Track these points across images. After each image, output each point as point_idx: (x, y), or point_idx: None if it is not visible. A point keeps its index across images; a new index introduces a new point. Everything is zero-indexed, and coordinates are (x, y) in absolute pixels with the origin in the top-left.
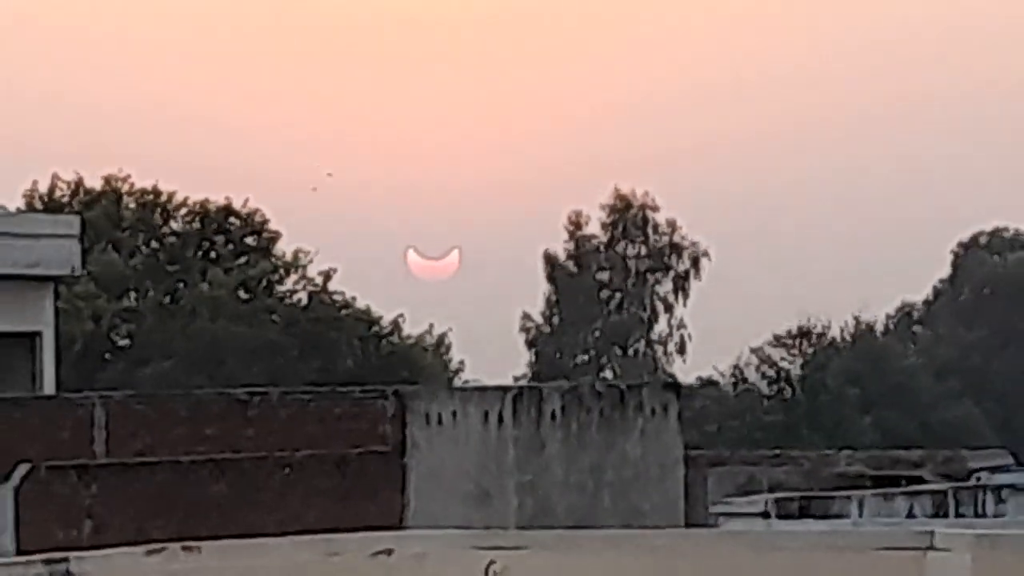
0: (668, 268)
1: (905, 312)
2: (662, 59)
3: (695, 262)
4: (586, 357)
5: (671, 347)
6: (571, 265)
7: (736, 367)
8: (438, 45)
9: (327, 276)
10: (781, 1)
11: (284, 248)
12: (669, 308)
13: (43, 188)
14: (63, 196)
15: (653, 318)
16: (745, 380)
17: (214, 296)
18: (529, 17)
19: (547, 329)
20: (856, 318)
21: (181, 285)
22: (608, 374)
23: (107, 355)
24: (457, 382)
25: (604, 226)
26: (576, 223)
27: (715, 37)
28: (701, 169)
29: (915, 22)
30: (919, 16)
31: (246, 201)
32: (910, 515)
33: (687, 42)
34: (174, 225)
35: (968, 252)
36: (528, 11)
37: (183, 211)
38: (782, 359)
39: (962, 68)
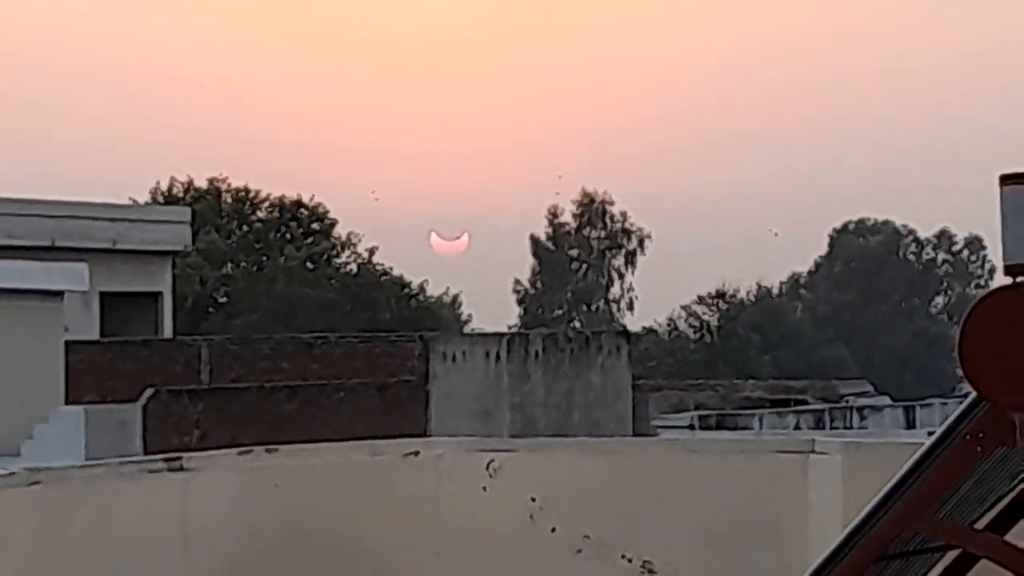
0: (621, 247)
1: (794, 279)
2: (619, 96)
3: (641, 243)
4: (561, 312)
5: (623, 305)
6: (550, 244)
7: (670, 319)
8: (457, 60)
9: (371, 252)
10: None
11: (340, 231)
12: (621, 276)
13: (164, 187)
14: (178, 193)
15: (610, 284)
16: (677, 329)
17: (289, 267)
18: (517, 40)
19: (532, 291)
20: (758, 284)
21: (265, 258)
22: (577, 324)
23: (210, 310)
24: (466, 330)
25: (574, 216)
26: (554, 213)
27: (650, 82)
28: (645, 173)
29: (798, 55)
30: (803, 52)
31: (312, 197)
32: (797, 428)
33: (636, 87)
34: (260, 214)
35: (841, 235)
36: (518, 34)
37: (266, 204)
38: (704, 314)
39: (839, 102)
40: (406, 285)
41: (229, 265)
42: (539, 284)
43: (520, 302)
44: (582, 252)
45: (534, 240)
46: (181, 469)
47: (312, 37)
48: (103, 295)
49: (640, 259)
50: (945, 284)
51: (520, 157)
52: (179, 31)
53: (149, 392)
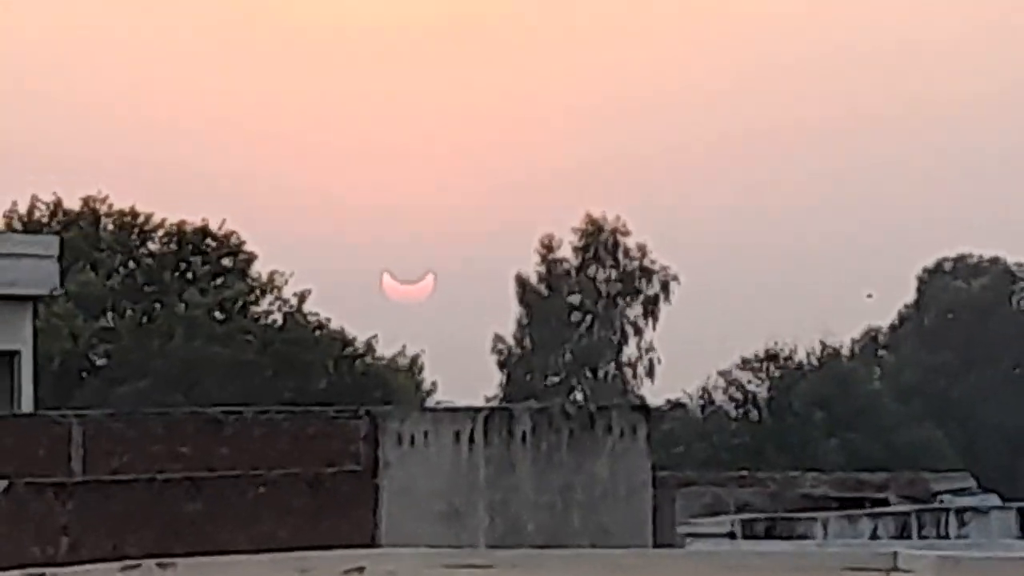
0: (638, 292)
1: (871, 336)
2: (635, 81)
3: (664, 286)
4: (557, 379)
5: (640, 370)
6: (543, 288)
7: (704, 390)
8: (414, 66)
9: (302, 297)
10: (755, 15)
11: (260, 269)
12: (638, 331)
13: (22, 209)
14: (42, 217)
15: (623, 341)
16: (712, 402)
17: (190, 316)
18: (501, 34)
19: (518, 351)
20: (822, 342)
21: (158, 305)
22: (578, 396)
23: (85, 374)
24: (429, 403)
25: (575, 250)
26: (548, 246)
27: (693, 53)
28: (672, 195)
29: (889, 42)
30: (893, 36)
31: (223, 223)
32: (874, 536)
33: (662, 68)
34: (151, 246)
35: (933, 278)
36: (501, 27)
37: (160, 232)
38: (749, 382)
39: (924, 94)
40: (348, 342)
41: (110, 314)
42: (527, 342)
43: (502, 366)
44: (585, 299)
45: (521, 282)
46: None
47: (218, 15)
48: None
49: (664, 308)
50: None
51: (503, 170)
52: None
53: (1, 485)
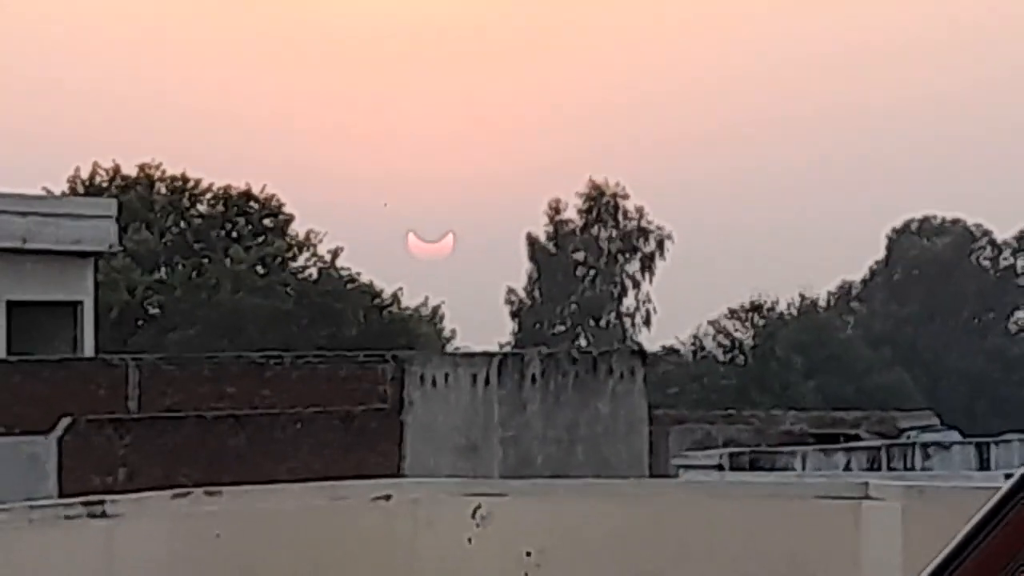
0: (636, 250)
1: (844, 290)
2: (634, 66)
3: (660, 244)
4: (563, 327)
5: (638, 319)
6: (551, 246)
7: (695, 337)
8: (438, 50)
9: (335, 254)
10: (743, 4)
11: (297, 229)
12: (636, 285)
13: (84, 174)
14: (102, 182)
15: (622, 293)
16: (703, 348)
17: (235, 271)
18: (517, 26)
19: (529, 302)
20: (801, 295)
21: (206, 261)
22: (582, 342)
23: (140, 322)
24: (449, 348)
25: (580, 212)
26: (555, 209)
27: (677, 41)
28: (667, 162)
29: (857, 24)
30: (861, 18)
31: (264, 187)
32: (847, 468)
33: (657, 49)
34: (200, 208)
35: (901, 237)
36: (518, 18)
37: (208, 196)
38: (736, 330)
39: (897, 72)
40: (377, 294)
41: (163, 269)
42: (537, 294)
43: (514, 315)
44: (589, 255)
45: (531, 241)
46: (104, 515)
47: (262, 3)
48: (10, 304)
49: (659, 264)
50: None
51: (515, 142)
52: None
53: (66, 422)
